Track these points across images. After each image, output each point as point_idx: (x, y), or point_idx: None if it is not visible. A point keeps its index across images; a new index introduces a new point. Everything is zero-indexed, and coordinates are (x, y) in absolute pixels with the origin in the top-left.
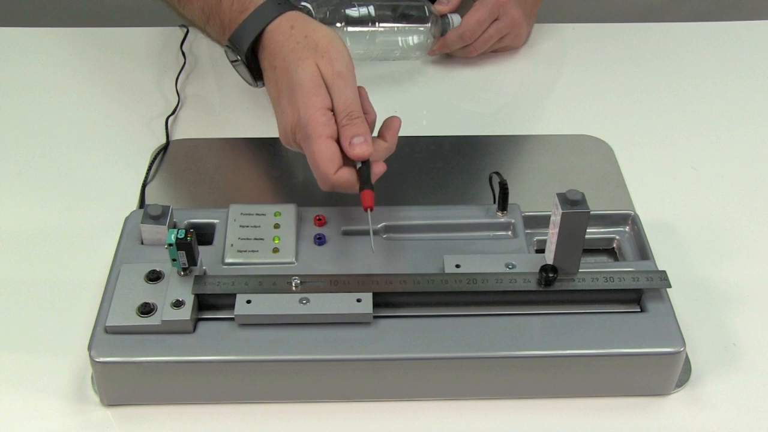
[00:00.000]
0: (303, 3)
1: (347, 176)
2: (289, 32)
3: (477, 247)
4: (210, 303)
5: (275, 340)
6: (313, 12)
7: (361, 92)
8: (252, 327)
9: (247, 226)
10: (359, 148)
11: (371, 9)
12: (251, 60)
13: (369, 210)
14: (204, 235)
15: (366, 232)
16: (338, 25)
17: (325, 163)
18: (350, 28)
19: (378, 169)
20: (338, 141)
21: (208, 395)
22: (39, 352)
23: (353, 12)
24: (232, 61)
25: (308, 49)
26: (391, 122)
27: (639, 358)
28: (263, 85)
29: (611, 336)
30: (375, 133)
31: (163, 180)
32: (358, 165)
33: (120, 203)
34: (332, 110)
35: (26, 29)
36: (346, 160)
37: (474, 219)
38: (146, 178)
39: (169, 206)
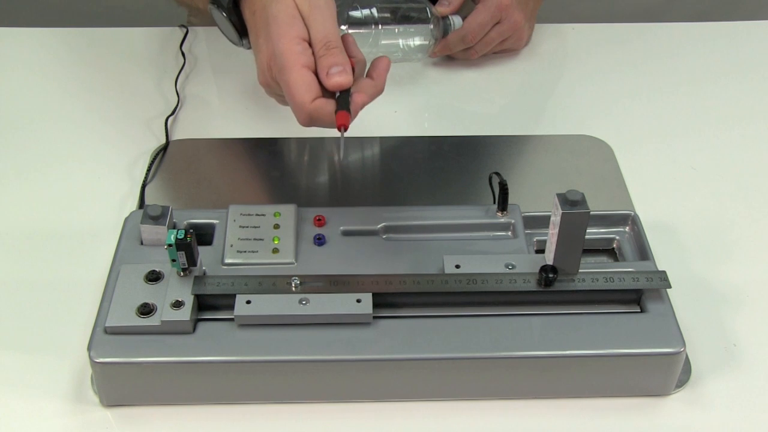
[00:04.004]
0: None
1: (324, 105)
2: None
3: (477, 247)
4: (210, 303)
5: (275, 340)
6: None
7: (347, 38)
8: (252, 327)
9: (247, 227)
10: (337, 77)
11: (374, 11)
12: (236, 19)
13: (342, 129)
14: (204, 235)
15: (366, 232)
16: (343, 27)
17: (302, 93)
18: (353, 30)
19: (359, 99)
20: (317, 74)
21: (208, 396)
22: (39, 352)
23: (356, 14)
24: (218, 23)
25: None
26: (379, 62)
27: (639, 359)
28: (249, 45)
29: (611, 336)
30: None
31: (163, 180)
32: (338, 94)
33: (120, 203)
34: (309, 43)
35: (26, 29)
36: (325, 92)
37: (474, 219)
38: (146, 178)
39: (168, 207)
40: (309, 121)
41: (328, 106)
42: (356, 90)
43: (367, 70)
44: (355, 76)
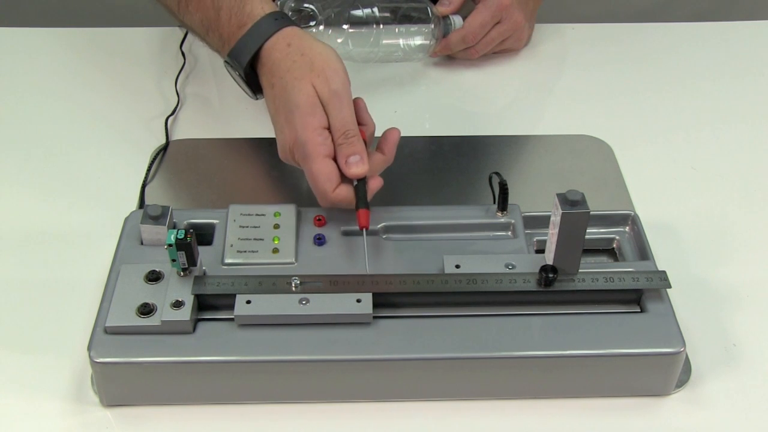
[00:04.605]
0: (306, 5)
1: (345, 193)
2: (286, 50)
3: (477, 247)
4: (210, 303)
5: (275, 340)
6: (317, 13)
7: (359, 103)
8: (252, 327)
9: (247, 227)
10: (355, 167)
11: (375, 10)
12: (250, 74)
13: (364, 229)
14: (204, 235)
15: (366, 232)
16: (344, 27)
17: (324, 182)
18: (354, 30)
19: (374, 185)
20: (335, 158)
21: (208, 395)
22: (39, 352)
23: (358, 13)
24: (232, 77)
25: (304, 68)
26: (390, 134)
27: (639, 359)
28: (263, 97)
29: (611, 336)
30: (375, 142)
31: (163, 180)
32: (355, 182)
33: (120, 203)
34: (329, 128)
35: (26, 29)
36: (344, 177)
37: (474, 219)
38: (146, 178)
39: (168, 206)
40: (330, 205)
41: (349, 194)
42: (371, 175)
43: (377, 140)
44: (366, 143)
